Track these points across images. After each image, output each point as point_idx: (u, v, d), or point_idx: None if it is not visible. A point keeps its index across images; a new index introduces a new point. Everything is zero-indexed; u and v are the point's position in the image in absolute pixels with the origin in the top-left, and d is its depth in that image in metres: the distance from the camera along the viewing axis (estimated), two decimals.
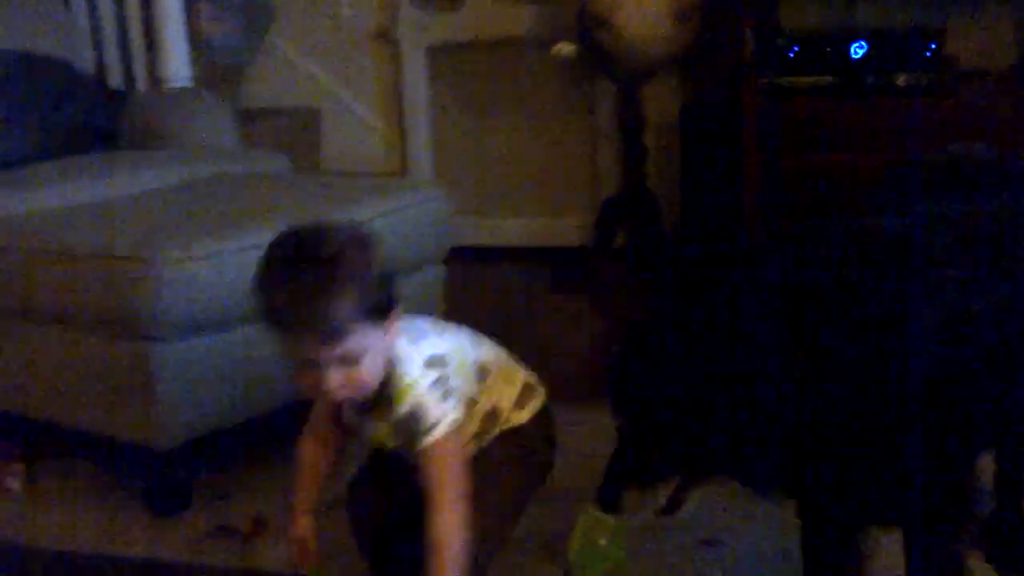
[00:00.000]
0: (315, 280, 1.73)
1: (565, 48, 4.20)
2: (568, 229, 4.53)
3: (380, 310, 1.79)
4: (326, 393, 1.80)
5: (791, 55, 3.79)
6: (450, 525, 1.85)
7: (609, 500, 1.84)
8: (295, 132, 4.43)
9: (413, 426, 1.87)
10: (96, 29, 4.11)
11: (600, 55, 4.02)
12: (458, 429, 1.91)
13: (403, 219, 2.92)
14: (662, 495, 1.86)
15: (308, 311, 1.73)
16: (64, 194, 3.06)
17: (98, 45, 4.11)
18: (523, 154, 4.64)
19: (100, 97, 3.78)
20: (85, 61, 3.98)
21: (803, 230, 1.98)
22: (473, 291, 4.04)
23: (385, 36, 4.69)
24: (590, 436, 2.85)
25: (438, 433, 1.88)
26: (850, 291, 1.74)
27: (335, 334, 1.74)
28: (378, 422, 1.91)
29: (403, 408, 1.87)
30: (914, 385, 1.74)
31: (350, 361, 1.77)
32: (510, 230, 4.61)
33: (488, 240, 4.54)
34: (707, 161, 4.04)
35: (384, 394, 1.86)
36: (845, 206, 2.28)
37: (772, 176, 3.71)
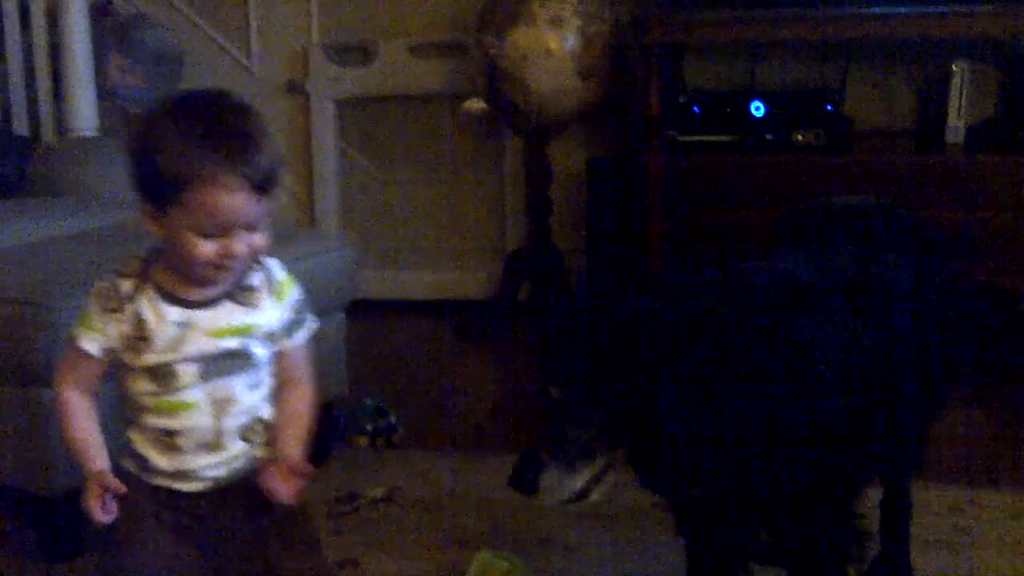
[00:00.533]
0: (252, 124, 1.71)
1: (475, 104, 4.25)
2: (474, 282, 4.56)
3: (277, 184, 1.74)
4: (230, 260, 1.71)
5: (694, 112, 3.88)
6: (312, 396, 1.89)
7: (527, 481, 1.82)
8: None
9: (296, 317, 1.85)
10: (2, 76, 4.09)
11: (508, 110, 4.07)
12: None
13: (307, 268, 2.92)
14: (578, 481, 1.84)
15: (252, 152, 1.67)
16: None
17: (4, 93, 4.09)
18: (431, 207, 4.67)
19: (6, 145, 3.75)
20: None
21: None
22: (378, 343, 4.06)
23: (296, 88, 4.71)
24: (489, 484, 2.90)
25: (312, 325, 1.90)
26: (731, 331, 1.79)
27: (266, 183, 1.69)
28: (225, 316, 1.79)
29: (291, 298, 1.85)
30: (794, 420, 1.79)
31: (253, 225, 1.71)
32: (416, 283, 4.63)
33: (394, 293, 4.55)
34: (612, 214, 4.10)
35: (244, 283, 1.80)
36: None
37: (675, 230, 3.78)
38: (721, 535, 1.99)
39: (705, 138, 3.87)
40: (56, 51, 4.01)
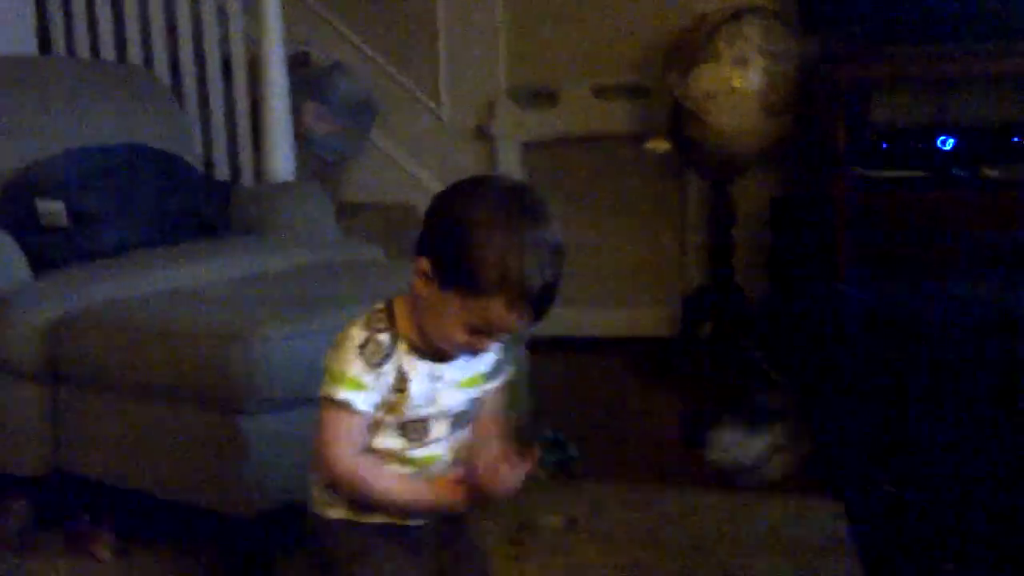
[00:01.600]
0: (561, 258, 1.71)
1: (660, 145, 4.28)
2: (656, 320, 4.58)
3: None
4: (478, 352, 1.78)
5: (882, 148, 3.84)
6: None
7: (695, 434, 1.79)
8: (393, 225, 4.56)
9: (503, 358, 1.87)
10: (206, 125, 4.30)
11: (691, 150, 4.09)
12: None
13: None
14: (756, 445, 1.80)
15: (555, 286, 1.70)
16: (170, 278, 3.20)
17: (208, 141, 4.30)
18: (614, 247, 4.70)
19: (207, 189, 3.93)
20: (194, 155, 4.15)
21: None
22: (560, 378, 4.10)
23: (483, 132, 4.82)
24: (670, 516, 2.90)
25: (509, 373, 1.91)
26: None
27: (544, 313, 1.72)
28: (465, 367, 1.82)
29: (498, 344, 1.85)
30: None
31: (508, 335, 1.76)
32: (599, 321, 4.66)
33: (575, 331, 4.58)
34: (796, 254, 4.07)
35: None
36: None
37: (862, 267, 3.73)
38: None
39: (893, 173, 3.81)
40: (255, 101, 4.19)
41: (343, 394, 1.76)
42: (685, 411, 1.80)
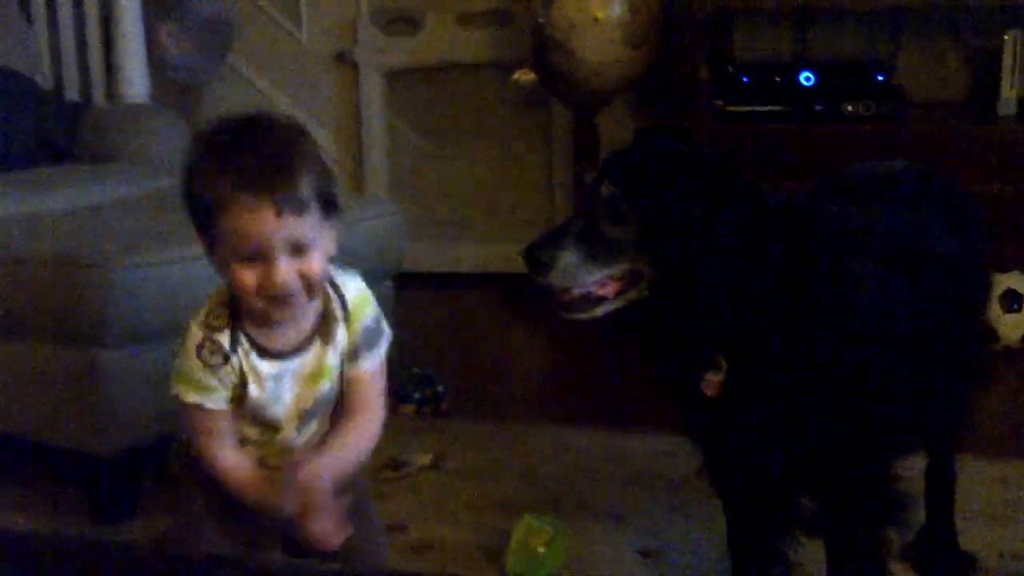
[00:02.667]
0: (282, 146, 1.65)
1: (524, 76, 4.25)
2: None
3: (329, 205, 1.69)
4: (276, 289, 1.64)
5: (743, 83, 3.86)
6: (376, 424, 1.82)
7: (538, 258, 1.80)
8: None
9: (367, 339, 1.79)
10: (56, 45, 4.13)
11: (556, 80, 4.06)
12: None
13: (355, 234, 2.93)
14: (593, 275, 1.82)
15: (276, 173, 1.62)
16: (19, 204, 3.07)
17: (57, 60, 4.13)
18: (479, 179, 4.67)
19: (57, 111, 3.79)
20: (44, 76, 3.99)
21: None
22: (426, 314, 4.07)
23: (345, 59, 4.72)
24: (535, 453, 2.92)
25: (382, 351, 1.83)
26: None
27: (298, 205, 1.62)
28: (320, 352, 1.76)
29: (366, 318, 1.79)
30: (834, 381, 1.79)
31: (301, 249, 1.64)
32: (464, 255, 4.64)
33: (441, 266, 4.56)
34: None
35: (328, 314, 1.76)
36: None
37: None
38: (760, 501, 1.99)
39: (753, 108, 3.85)
40: (107, 20, 4.03)
41: (192, 397, 1.73)
42: (537, 238, 1.82)
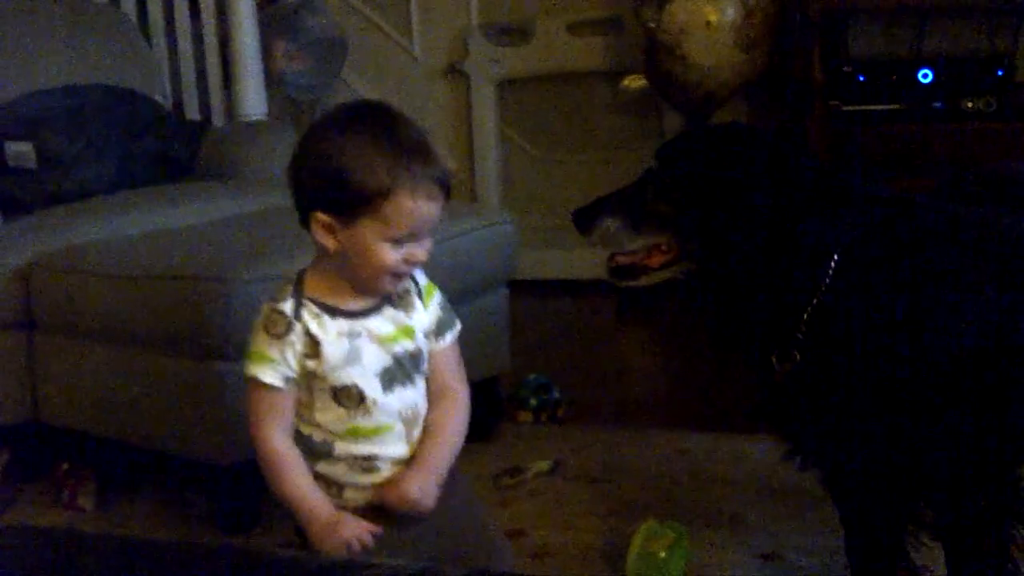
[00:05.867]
0: (421, 131, 1.77)
1: (635, 82, 4.24)
2: None
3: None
4: (412, 267, 1.75)
5: (859, 82, 3.80)
6: (466, 402, 1.87)
7: (585, 219, 1.88)
8: None
9: (444, 316, 1.85)
10: (175, 65, 4.22)
11: (668, 85, 4.05)
12: None
13: (469, 242, 2.96)
14: (635, 242, 1.88)
15: (436, 158, 1.73)
16: (142, 221, 3.15)
17: (177, 80, 4.22)
18: (590, 186, 4.65)
19: (178, 130, 3.86)
20: (164, 95, 4.08)
21: None
22: (540, 321, 4.08)
23: (456, 70, 4.76)
24: (653, 457, 2.90)
25: (458, 327, 1.88)
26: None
27: (449, 191, 1.76)
28: (394, 315, 1.80)
29: (437, 297, 1.85)
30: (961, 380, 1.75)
31: (434, 232, 1.77)
32: (577, 262, 4.63)
33: (555, 273, 4.56)
34: None
35: (399, 289, 1.81)
36: None
37: None
38: (878, 509, 1.95)
39: (870, 108, 3.78)
40: (225, 39, 4.12)
41: (251, 369, 1.76)
42: (590, 203, 1.90)
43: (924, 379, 1.75)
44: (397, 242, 1.71)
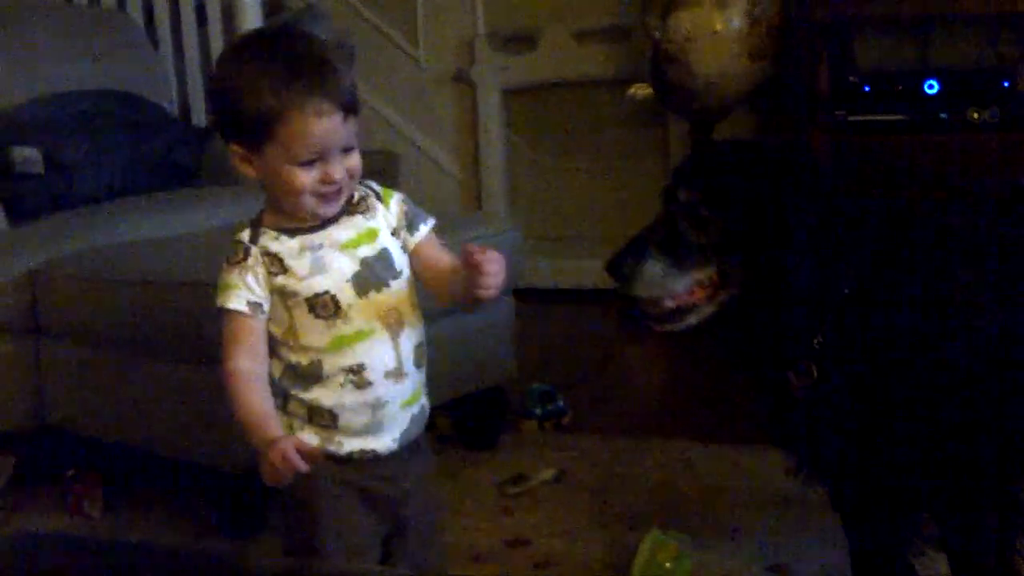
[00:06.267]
0: (323, 50, 1.74)
1: (641, 91, 4.24)
2: None
3: (357, 104, 1.77)
4: (331, 186, 1.72)
5: (865, 92, 3.80)
6: None
7: (623, 268, 1.78)
8: (372, 174, 4.49)
9: (410, 210, 1.84)
10: (182, 71, 4.23)
11: (673, 93, 4.05)
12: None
13: None
14: (680, 283, 1.80)
15: (334, 76, 1.70)
16: (147, 227, 3.16)
17: (183, 86, 4.23)
18: (596, 194, 4.67)
19: (184, 136, 3.87)
20: (170, 101, 4.09)
21: None
22: (545, 330, 4.07)
23: (462, 78, 4.76)
24: (658, 467, 2.90)
25: (432, 222, 1.86)
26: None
27: (354, 106, 1.72)
28: (353, 221, 1.80)
29: (396, 197, 1.84)
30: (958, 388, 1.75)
31: (348, 148, 1.73)
32: (582, 271, 4.63)
33: (560, 282, 4.55)
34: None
35: (354, 198, 1.81)
36: None
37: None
38: (882, 521, 1.95)
39: (876, 118, 3.78)
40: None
41: (217, 300, 1.78)
42: (621, 248, 1.80)
43: (942, 392, 1.75)
44: (306, 164, 1.71)
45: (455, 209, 4.71)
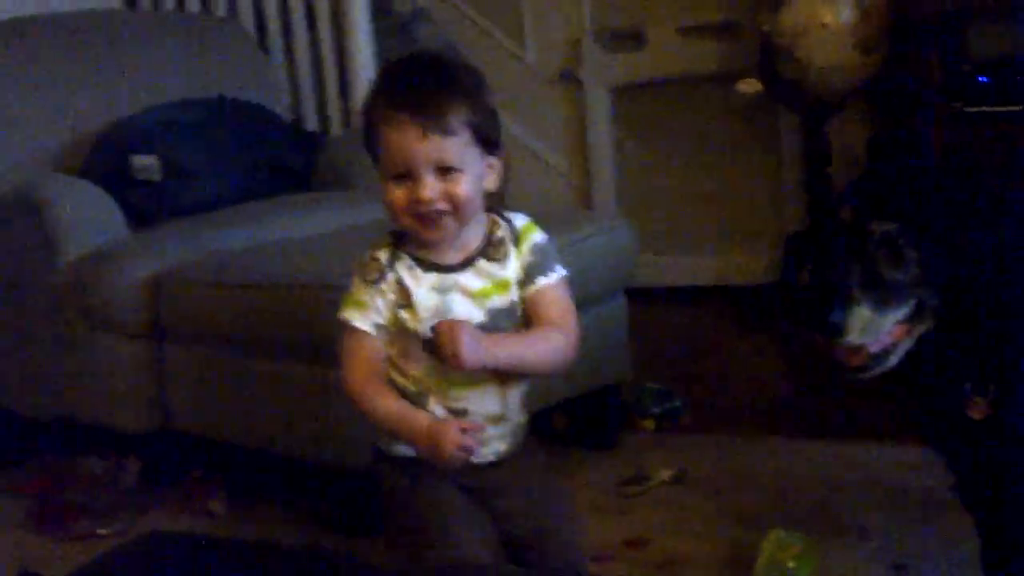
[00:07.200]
0: (443, 77, 1.78)
1: (749, 85, 4.20)
2: (753, 266, 4.49)
3: (486, 140, 1.80)
4: (422, 207, 1.74)
5: (981, 83, 3.73)
6: (563, 336, 1.83)
7: (833, 321, 1.68)
8: None
9: (535, 260, 1.83)
10: (293, 76, 4.29)
11: (784, 88, 4.00)
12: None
13: (587, 248, 2.95)
14: (887, 322, 1.69)
15: (427, 96, 1.74)
16: (265, 231, 3.22)
17: (295, 91, 4.29)
18: (707, 191, 4.63)
19: (295, 140, 3.92)
20: (283, 106, 4.14)
21: None
22: (659, 328, 4.05)
23: (569, 76, 4.76)
24: (777, 465, 2.87)
25: (559, 272, 1.86)
26: None
27: (443, 127, 1.73)
28: (488, 268, 1.82)
29: (531, 241, 1.84)
30: None
31: (447, 170, 1.74)
32: (694, 268, 4.60)
33: (673, 279, 4.53)
34: None
35: (494, 239, 1.84)
36: None
37: None
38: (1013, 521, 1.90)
39: (993, 109, 3.70)
40: (341, 49, 4.16)
41: (343, 313, 1.82)
42: (816, 300, 1.72)
43: None
44: (397, 180, 1.75)
45: (565, 208, 4.70)
